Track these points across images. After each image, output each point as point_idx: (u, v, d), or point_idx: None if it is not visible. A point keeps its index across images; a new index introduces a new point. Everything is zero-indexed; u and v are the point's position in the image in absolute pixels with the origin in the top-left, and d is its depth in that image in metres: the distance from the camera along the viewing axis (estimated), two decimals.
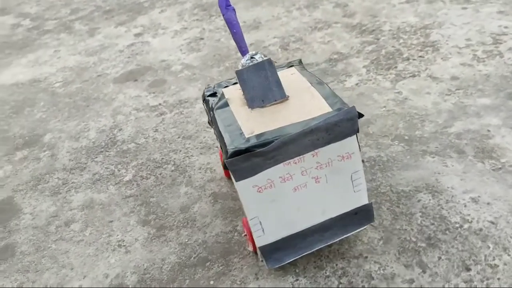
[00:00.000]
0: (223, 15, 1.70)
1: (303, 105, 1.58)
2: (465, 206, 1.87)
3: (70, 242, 2.03)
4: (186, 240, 1.93)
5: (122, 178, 2.34)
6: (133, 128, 2.72)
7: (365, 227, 1.73)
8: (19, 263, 1.97)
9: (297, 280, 1.70)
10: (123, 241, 1.98)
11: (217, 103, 1.68)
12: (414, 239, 1.77)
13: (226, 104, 1.66)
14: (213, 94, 1.75)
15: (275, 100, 1.61)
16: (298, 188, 1.54)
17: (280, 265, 1.69)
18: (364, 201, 1.66)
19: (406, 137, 2.27)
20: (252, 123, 1.55)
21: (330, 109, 1.52)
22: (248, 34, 3.53)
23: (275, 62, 2.70)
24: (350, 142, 1.51)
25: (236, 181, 1.46)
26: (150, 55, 3.52)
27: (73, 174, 2.43)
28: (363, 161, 2.16)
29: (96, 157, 2.53)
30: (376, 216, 1.88)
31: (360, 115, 1.51)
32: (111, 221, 2.09)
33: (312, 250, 1.70)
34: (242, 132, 1.50)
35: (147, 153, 2.49)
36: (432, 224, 1.82)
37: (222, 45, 3.46)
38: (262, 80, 1.61)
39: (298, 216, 1.60)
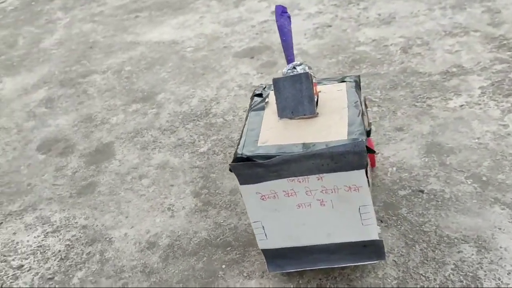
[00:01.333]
0: (276, 21, 1.72)
1: (328, 126, 1.55)
2: (508, 273, 1.64)
3: (136, 194, 2.33)
4: (222, 221, 2.07)
5: (198, 148, 2.56)
6: (229, 104, 2.90)
7: (375, 262, 1.65)
8: (92, 200, 2.35)
9: None
10: (173, 206, 2.21)
11: (256, 104, 1.74)
12: None
13: (262, 108, 1.71)
14: (260, 95, 1.80)
15: (304, 115, 1.61)
16: (302, 206, 1.54)
17: (281, 272, 1.73)
18: (374, 236, 1.58)
19: (484, 178, 2.02)
20: (272, 132, 1.58)
21: (345, 138, 1.47)
22: (376, 29, 3.39)
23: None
24: (358, 175, 1.45)
25: (240, 184, 1.53)
26: (276, 34, 3.62)
27: (164, 135, 2.73)
28: (422, 191, 2.01)
29: (187, 124, 2.78)
30: (405, 253, 1.77)
31: (370, 151, 1.43)
32: (172, 185, 2.34)
33: (317, 267, 1.70)
34: (257, 140, 1.55)
35: (229, 130, 2.65)
36: (460, 281, 1.65)
37: (346, 36, 3.38)
38: (296, 93, 1.61)
39: (303, 232, 1.61)
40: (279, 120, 1.63)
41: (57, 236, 2.17)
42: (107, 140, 2.79)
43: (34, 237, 2.19)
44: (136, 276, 1.90)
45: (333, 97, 1.69)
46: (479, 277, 1.65)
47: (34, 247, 2.13)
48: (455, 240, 1.79)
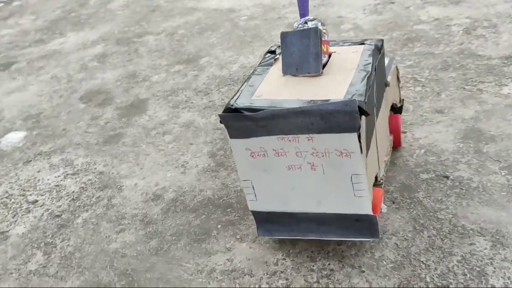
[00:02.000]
0: None
1: (329, 85, 1.42)
2: None
3: (155, 148, 2.34)
4: (229, 183, 2.01)
5: None
6: None
7: (367, 239, 1.51)
8: (115, 149, 2.39)
9: (284, 259, 1.63)
10: (187, 163, 2.19)
11: (266, 61, 1.64)
12: (428, 280, 1.47)
13: (270, 65, 1.61)
14: (273, 52, 1.70)
15: (308, 73, 1.49)
16: (293, 168, 1.44)
17: (271, 237, 1.65)
18: (367, 211, 1.44)
19: None
20: (270, 87, 1.48)
21: (341, 97, 1.34)
22: (442, 8, 3.12)
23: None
24: (349, 139, 1.31)
25: (230, 137, 1.46)
26: (333, 9, 3.46)
27: (197, 96, 2.71)
28: (447, 177, 1.82)
29: (222, 88, 2.74)
30: (410, 238, 1.61)
31: (364, 113, 1.29)
32: (191, 144, 2.31)
33: (306, 238, 1.59)
34: (254, 93, 1.47)
35: None
36: (464, 275, 1.47)
37: (406, 14, 3.15)
38: (303, 48, 1.49)
39: (292, 196, 1.51)
40: (282, 76, 1.53)
41: (75, 178, 2.23)
42: (143, 96, 2.83)
43: (55, 176, 2.27)
44: (134, 224, 1.90)
45: (346, 58, 1.55)
46: (486, 273, 1.45)
47: (52, 186, 2.21)
48: (470, 231, 1.60)
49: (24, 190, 2.21)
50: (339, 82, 1.42)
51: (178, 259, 1.71)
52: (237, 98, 1.46)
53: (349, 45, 1.64)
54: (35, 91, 3.13)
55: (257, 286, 1.55)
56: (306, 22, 1.55)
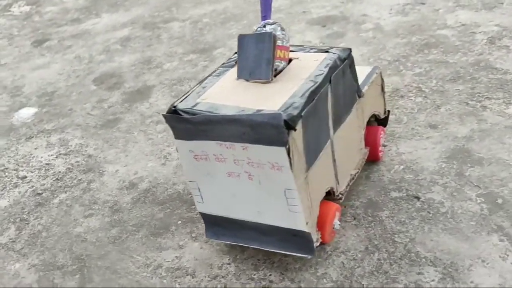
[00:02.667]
0: None
1: (272, 94, 1.37)
2: None
3: (145, 137, 2.38)
4: None
5: None
6: None
7: (304, 256, 1.46)
8: (109, 134, 2.45)
9: (229, 264, 1.61)
10: (170, 155, 2.21)
11: (229, 61, 1.62)
12: None
13: (231, 66, 1.58)
14: None
15: (259, 78, 1.45)
16: (232, 175, 1.41)
17: (217, 241, 1.64)
18: (301, 227, 1.39)
19: (499, 201, 1.65)
20: (219, 91, 1.46)
21: (276, 108, 1.29)
22: (473, 13, 2.91)
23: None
24: (278, 153, 1.27)
25: (175, 138, 1.46)
26: (360, 6, 3.32)
27: None
28: (417, 198, 1.72)
29: None
30: (358, 258, 1.54)
31: (290, 127, 1.23)
32: None
33: (249, 246, 1.57)
34: (201, 95, 1.45)
35: None
36: None
37: (433, 17, 2.97)
38: (258, 53, 1.44)
39: (234, 203, 1.48)
40: (235, 80, 1.50)
41: (65, 159, 2.32)
42: (151, 83, 2.87)
43: (48, 155, 2.37)
44: (103, 210, 1.96)
45: (304, 66, 1.49)
46: None
47: (43, 164, 2.31)
48: (423, 259, 1.50)
49: (18, 165, 2.33)
50: (283, 91, 1.37)
51: (131, 250, 1.74)
52: (183, 99, 1.46)
53: (314, 51, 1.57)
54: (57, 70, 3.27)
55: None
56: (265, 26, 1.50)
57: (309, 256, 1.47)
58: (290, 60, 1.54)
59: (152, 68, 3.04)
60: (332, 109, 1.48)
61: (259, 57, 1.45)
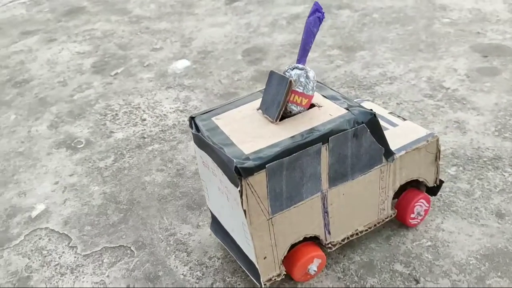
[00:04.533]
0: (308, 17, 1.54)
1: (262, 136, 1.45)
2: None
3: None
4: None
5: None
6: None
7: (256, 283, 1.57)
8: None
9: (218, 259, 1.82)
10: None
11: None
12: None
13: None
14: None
15: (268, 116, 1.53)
16: (220, 189, 1.58)
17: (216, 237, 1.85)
18: (253, 259, 1.50)
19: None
20: (232, 116, 1.59)
21: (247, 152, 1.38)
22: None
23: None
24: (234, 191, 1.38)
25: (193, 140, 1.68)
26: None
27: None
28: (417, 280, 1.61)
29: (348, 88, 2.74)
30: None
31: (241, 174, 1.31)
32: None
33: (231, 254, 1.74)
34: (219, 114, 1.62)
35: None
36: None
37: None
38: (275, 93, 1.52)
39: (222, 213, 1.66)
40: (255, 110, 1.61)
41: (178, 115, 2.74)
42: (283, 67, 3.05)
43: (170, 107, 2.82)
44: (171, 170, 2.32)
45: (316, 117, 1.51)
46: None
47: (162, 114, 2.78)
48: None
49: (147, 108, 2.86)
50: (272, 137, 1.45)
51: (165, 213, 2.08)
52: (206, 112, 1.65)
53: (338, 103, 1.55)
54: (227, 31, 3.68)
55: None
56: (293, 69, 1.54)
57: (258, 286, 1.58)
58: (312, 105, 1.58)
59: (294, 54, 3.20)
60: (329, 166, 1.49)
61: (275, 97, 1.53)
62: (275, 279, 1.59)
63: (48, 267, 1.89)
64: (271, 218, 1.47)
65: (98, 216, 2.11)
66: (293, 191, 1.48)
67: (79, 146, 2.59)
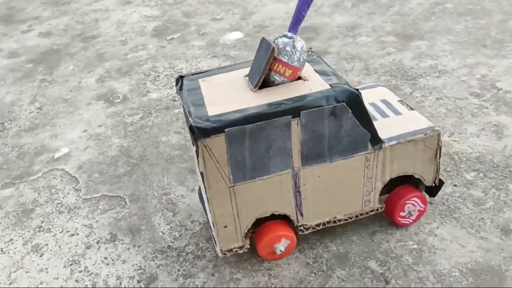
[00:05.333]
0: None
1: (236, 102, 1.40)
2: None
3: None
4: None
5: None
6: None
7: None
8: None
9: (200, 224, 1.82)
10: None
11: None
12: None
13: None
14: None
15: (250, 83, 1.47)
16: (194, 152, 1.57)
17: None
18: (213, 226, 1.47)
19: None
20: (219, 79, 1.56)
21: (212, 114, 1.35)
22: None
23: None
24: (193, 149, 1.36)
25: None
26: None
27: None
28: (387, 281, 1.49)
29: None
30: None
31: (194, 133, 1.28)
32: None
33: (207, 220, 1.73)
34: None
35: None
36: None
37: None
38: (259, 60, 1.45)
39: (199, 177, 1.66)
40: (245, 76, 1.56)
41: None
42: None
43: None
44: (187, 134, 2.35)
45: (295, 89, 1.42)
46: None
47: None
48: None
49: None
50: (243, 103, 1.39)
51: (168, 173, 2.12)
52: (198, 72, 1.63)
53: (325, 79, 1.45)
54: (292, 6, 3.60)
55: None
56: (281, 37, 1.47)
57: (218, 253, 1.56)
58: (299, 78, 1.49)
59: (348, 37, 3.06)
60: (301, 143, 1.42)
61: (258, 64, 1.47)
62: (236, 250, 1.56)
63: (51, 204, 2.03)
64: (232, 186, 1.44)
65: (108, 166, 2.20)
66: (258, 162, 1.42)
67: (115, 101, 2.72)
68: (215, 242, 1.55)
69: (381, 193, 1.66)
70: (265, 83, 1.49)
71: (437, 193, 1.66)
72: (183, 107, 1.49)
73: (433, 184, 1.63)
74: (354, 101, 1.40)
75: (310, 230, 1.60)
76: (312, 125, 1.40)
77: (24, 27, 3.97)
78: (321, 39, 3.07)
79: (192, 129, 1.32)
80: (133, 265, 1.69)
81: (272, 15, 3.53)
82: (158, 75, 2.92)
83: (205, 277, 1.61)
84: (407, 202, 1.62)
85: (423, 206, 1.64)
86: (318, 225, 1.60)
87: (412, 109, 1.68)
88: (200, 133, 1.32)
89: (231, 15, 3.64)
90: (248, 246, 1.57)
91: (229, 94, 1.47)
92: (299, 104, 1.37)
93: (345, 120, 1.42)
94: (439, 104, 2.28)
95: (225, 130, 1.34)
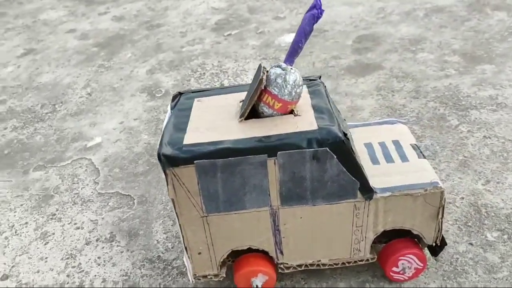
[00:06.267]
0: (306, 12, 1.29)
1: (217, 131, 1.34)
2: None
3: None
4: None
5: None
6: None
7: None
8: None
9: None
10: None
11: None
12: None
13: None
14: None
15: (240, 111, 1.40)
16: None
17: None
18: (186, 251, 1.44)
19: None
20: (214, 101, 1.50)
21: (186, 142, 1.29)
22: None
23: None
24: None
25: None
26: None
27: None
28: None
29: None
30: None
31: (160, 160, 1.24)
32: None
33: None
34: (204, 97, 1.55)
35: None
36: None
37: None
38: (251, 89, 1.38)
39: None
40: (239, 101, 1.49)
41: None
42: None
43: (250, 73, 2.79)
44: None
45: (281, 124, 1.32)
46: None
47: (236, 74, 2.77)
48: None
49: (232, 74, 2.86)
50: (223, 134, 1.33)
51: None
52: (199, 90, 1.59)
53: (318, 117, 1.33)
54: (359, 11, 3.40)
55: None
56: (276, 66, 1.36)
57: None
58: (292, 111, 1.39)
59: (407, 51, 2.82)
60: (280, 183, 1.33)
61: (249, 93, 1.40)
62: (211, 278, 1.52)
63: (69, 193, 2.13)
64: (206, 216, 1.39)
65: (130, 162, 2.26)
66: (233, 197, 1.36)
67: (157, 95, 2.77)
68: (187, 268, 1.53)
69: (380, 241, 1.53)
70: (255, 113, 1.41)
71: (439, 253, 1.48)
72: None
73: (434, 244, 1.46)
74: (339, 146, 1.28)
75: (291, 270, 1.51)
76: (291, 167, 1.31)
77: (102, 9, 4.17)
78: (378, 51, 2.87)
79: (159, 156, 1.29)
80: (120, 269, 1.72)
81: (336, 19, 3.36)
82: (204, 73, 2.92)
83: None
84: (401, 258, 1.46)
85: (421, 264, 1.48)
86: (300, 265, 1.51)
87: (424, 156, 1.51)
88: (168, 161, 1.29)
89: (295, 15, 3.52)
90: (224, 275, 1.52)
91: (214, 121, 1.42)
92: (277, 143, 1.28)
93: (330, 165, 1.31)
94: (485, 143, 2.03)
95: (195, 162, 1.29)
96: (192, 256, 1.48)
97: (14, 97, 3.01)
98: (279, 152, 1.28)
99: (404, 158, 1.50)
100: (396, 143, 1.57)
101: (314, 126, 1.32)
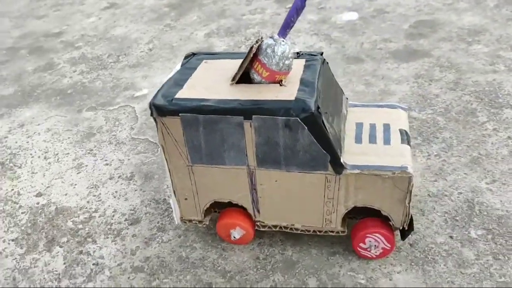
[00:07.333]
0: None
1: (209, 89, 1.47)
2: None
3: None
4: None
5: None
6: None
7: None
8: None
9: None
10: None
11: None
12: None
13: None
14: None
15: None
16: None
17: None
18: (173, 195, 1.61)
19: None
20: (224, 64, 1.63)
21: (180, 96, 1.44)
22: None
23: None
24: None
25: None
26: None
27: None
28: None
29: None
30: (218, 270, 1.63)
31: (151, 108, 1.39)
32: None
33: None
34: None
35: None
36: None
37: None
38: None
39: None
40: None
41: None
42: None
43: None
44: None
45: (266, 91, 1.42)
46: None
47: None
48: None
49: None
50: (212, 93, 1.46)
51: None
52: (212, 53, 1.72)
53: (300, 90, 1.41)
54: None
55: None
56: (270, 37, 1.45)
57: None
58: (280, 81, 1.48)
59: (463, 42, 2.71)
60: (256, 145, 1.44)
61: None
62: (196, 222, 1.69)
63: (109, 134, 2.39)
64: (191, 166, 1.55)
65: None
66: (214, 152, 1.50)
67: None
68: (174, 209, 1.70)
69: (356, 218, 1.60)
70: (248, 78, 1.52)
71: (406, 237, 1.52)
72: None
73: (401, 227, 1.50)
74: (310, 119, 1.36)
75: (267, 229, 1.64)
76: (266, 132, 1.41)
77: None
78: (432, 39, 2.79)
79: (150, 105, 1.46)
80: (130, 204, 1.95)
81: (400, 1, 3.29)
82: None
83: (172, 235, 1.79)
84: (368, 235, 1.52)
85: (388, 245, 1.53)
86: (275, 226, 1.63)
87: (408, 143, 1.53)
88: (156, 111, 1.45)
89: None
90: (207, 223, 1.69)
91: (211, 81, 1.55)
92: (253, 108, 1.39)
93: (301, 136, 1.40)
94: (505, 144, 1.96)
95: (180, 114, 1.44)
96: (180, 201, 1.65)
97: (89, 45, 3.35)
98: (254, 116, 1.39)
99: (387, 141, 1.54)
100: (386, 126, 1.60)
101: (292, 97, 1.41)
